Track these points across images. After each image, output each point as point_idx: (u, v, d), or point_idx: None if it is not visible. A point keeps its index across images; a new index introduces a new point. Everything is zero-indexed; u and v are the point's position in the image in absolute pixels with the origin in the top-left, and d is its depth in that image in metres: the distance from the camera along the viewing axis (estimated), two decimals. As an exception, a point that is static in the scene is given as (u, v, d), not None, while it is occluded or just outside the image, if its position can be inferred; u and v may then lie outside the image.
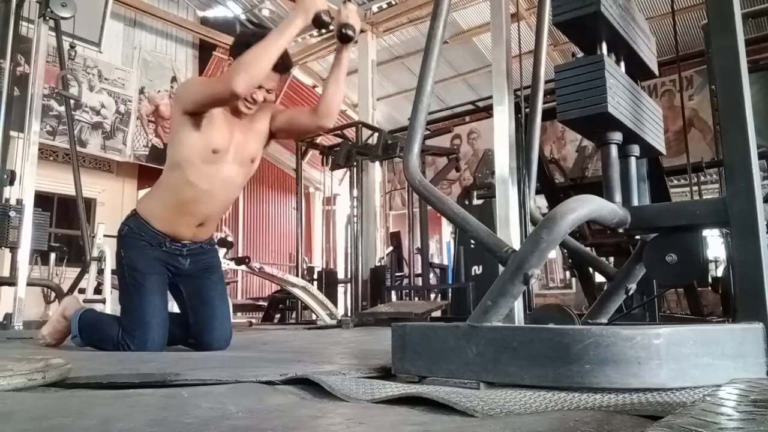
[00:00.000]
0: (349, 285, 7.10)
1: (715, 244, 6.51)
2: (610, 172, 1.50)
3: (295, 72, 11.09)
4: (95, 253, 4.80)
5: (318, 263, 9.54)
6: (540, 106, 1.87)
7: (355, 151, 6.85)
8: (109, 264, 4.46)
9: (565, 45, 8.95)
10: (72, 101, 5.25)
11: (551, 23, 1.56)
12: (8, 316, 4.06)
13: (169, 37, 9.76)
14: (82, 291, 4.87)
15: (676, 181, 6.26)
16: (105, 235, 4.65)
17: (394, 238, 8.61)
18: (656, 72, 1.71)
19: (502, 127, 1.48)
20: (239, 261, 5.48)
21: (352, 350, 2.16)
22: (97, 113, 8.41)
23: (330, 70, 2.20)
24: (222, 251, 5.19)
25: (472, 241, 5.38)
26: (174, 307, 2.41)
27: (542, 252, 1.14)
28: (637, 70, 1.64)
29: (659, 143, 1.67)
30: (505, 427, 0.76)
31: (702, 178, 5.07)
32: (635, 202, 1.57)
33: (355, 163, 7.01)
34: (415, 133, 1.38)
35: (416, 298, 6.73)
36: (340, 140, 7.49)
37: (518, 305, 1.29)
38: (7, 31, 4.57)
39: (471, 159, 9.88)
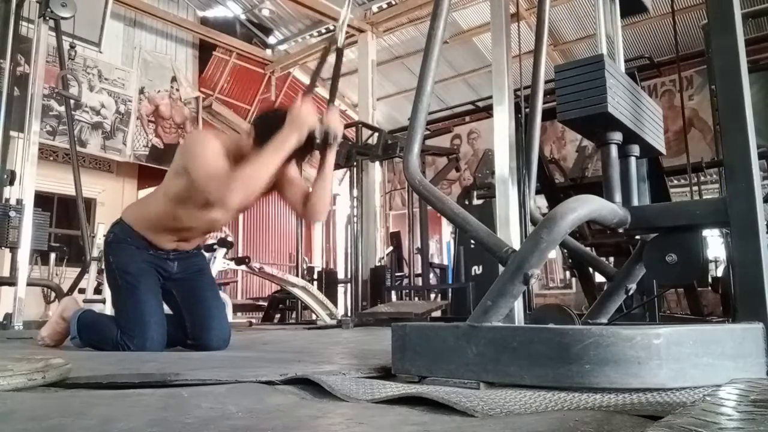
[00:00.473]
0: (349, 285, 7.10)
1: (715, 244, 6.51)
2: (610, 172, 1.50)
3: (295, 72, 11.10)
4: (95, 253, 4.80)
5: (318, 263, 9.54)
6: (540, 106, 1.87)
7: (355, 151, 6.85)
8: (109, 264, 4.45)
9: (565, 45, 8.96)
10: (72, 101, 5.26)
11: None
12: (8, 316, 4.06)
13: (169, 37, 9.76)
14: (82, 291, 4.87)
15: (676, 181, 6.26)
16: (105, 235, 4.65)
17: (394, 238, 8.61)
18: (663, 151, 1.71)
19: (502, 127, 1.48)
20: (239, 261, 5.49)
21: (352, 350, 2.16)
22: (97, 113, 8.41)
23: (317, 173, 2.16)
24: (222, 251, 5.19)
25: (472, 241, 5.38)
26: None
27: (542, 252, 1.14)
28: (646, 151, 1.64)
29: (659, 143, 1.67)
30: (505, 427, 0.76)
31: (702, 178, 5.07)
32: (635, 202, 1.57)
33: (355, 163, 7.01)
34: (415, 133, 1.38)
35: (416, 298, 6.73)
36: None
37: (518, 305, 1.29)
38: (7, 31, 4.57)
39: (471, 159, 9.87)
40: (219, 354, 2.03)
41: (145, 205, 2.32)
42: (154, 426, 0.78)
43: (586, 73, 1.37)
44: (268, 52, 10.85)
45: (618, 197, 1.49)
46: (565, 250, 4.84)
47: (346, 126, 7.93)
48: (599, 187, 1.53)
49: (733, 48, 1.25)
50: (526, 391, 1.01)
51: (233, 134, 2.15)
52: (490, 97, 1.60)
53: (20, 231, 4.08)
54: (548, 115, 1.95)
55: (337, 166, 7.12)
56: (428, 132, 7.78)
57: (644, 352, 0.98)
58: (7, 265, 4.57)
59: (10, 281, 4.23)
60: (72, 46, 4.97)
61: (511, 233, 1.42)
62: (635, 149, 1.59)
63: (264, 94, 10.93)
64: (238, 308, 8.18)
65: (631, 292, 1.68)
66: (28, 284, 4.27)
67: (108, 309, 4.23)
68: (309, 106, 1.97)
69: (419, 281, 7.25)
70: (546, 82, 1.96)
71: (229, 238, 6.57)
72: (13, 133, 4.65)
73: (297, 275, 6.53)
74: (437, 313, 5.71)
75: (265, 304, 7.59)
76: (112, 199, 8.82)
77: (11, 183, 4.32)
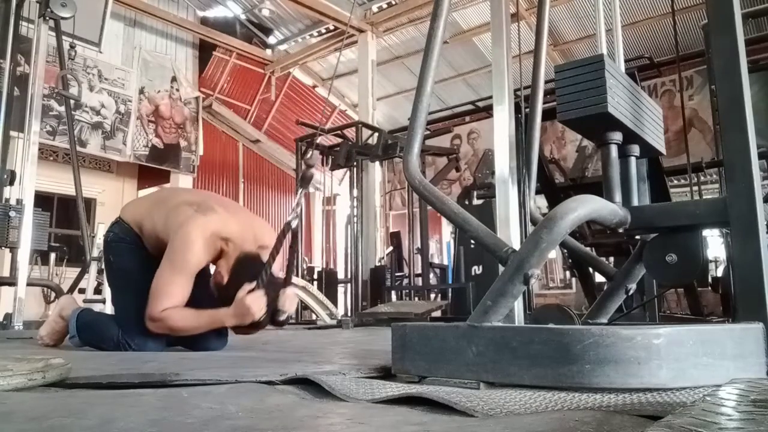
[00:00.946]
0: (349, 285, 7.10)
1: (715, 244, 6.51)
2: (610, 172, 1.50)
3: (295, 72, 11.10)
4: (95, 253, 4.81)
5: (318, 263, 9.54)
6: (540, 106, 1.87)
7: (355, 151, 6.85)
8: (109, 264, 4.45)
9: (565, 45, 8.96)
10: (72, 101, 5.25)
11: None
12: (8, 316, 4.06)
13: (169, 37, 9.75)
14: (82, 291, 4.87)
15: (676, 181, 6.26)
16: (105, 235, 4.66)
17: (394, 238, 8.61)
18: (663, 151, 1.71)
19: (502, 127, 1.48)
20: (239, 261, 5.47)
21: (352, 350, 2.16)
22: (97, 113, 8.41)
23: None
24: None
25: (472, 241, 5.38)
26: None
27: (542, 252, 1.14)
28: (646, 151, 1.64)
29: (659, 143, 1.67)
30: (505, 427, 0.76)
31: (702, 178, 5.07)
32: (635, 202, 1.57)
33: (355, 163, 7.01)
34: (415, 133, 1.38)
35: (416, 298, 6.73)
36: (340, 140, 7.49)
37: (518, 305, 1.29)
38: (7, 31, 4.57)
39: (471, 159, 9.88)
40: (219, 354, 2.03)
41: (142, 212, 2.29)
42: (154, 426, 0.78)
43: (586, 73, 1.37)
44: (268, 52, 10.85)
45: (618, 197, 1.49)
46: (565, 250, 4.84)
47: (346, 126, 7.94)
48: (599, 187, 1.53)
49: (733, 48, 1.25)
50: (526, 391, 1.01)
51: (233, 231, 2.12)
52: (490, 97, 1.60)
53: (20, 231, 4.08)
54: (548, 115, 1.95)
55: (337, 167, 7.14)
56: (428, 132, 7.78)
57: (644, 352, 0.98)
58: (7, 265, 4.58)
59: (10, 281, 4.23)
60: (72, 46, 4.97)
61: (511, 233, 1.42)
62: (635, 149, 1.59)
63: (264, 94, 10.93)
64: (238, 308, 8.16)
65: (631, 292, 1.69)
66: (28, 284, 4.27)
67: (108, 309, 4.24)
68: (258, 299, 1.94)
69: (419, 281, 7.25)
70: (546, 82, 1.96)
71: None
72: (13, 133, 4.65)
73: (297, 275, 6.53)
74: (437, 313, 5.71)
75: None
76: (112, 199, 8.83)
77: (11, 183, 4.33)
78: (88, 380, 1.21)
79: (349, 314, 6.22)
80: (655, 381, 0.98)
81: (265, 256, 2.05)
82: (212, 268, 2.21)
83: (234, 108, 10.57)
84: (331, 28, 9.57)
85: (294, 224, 2.06)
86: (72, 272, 5.77)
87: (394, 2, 8.89)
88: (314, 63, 10.93)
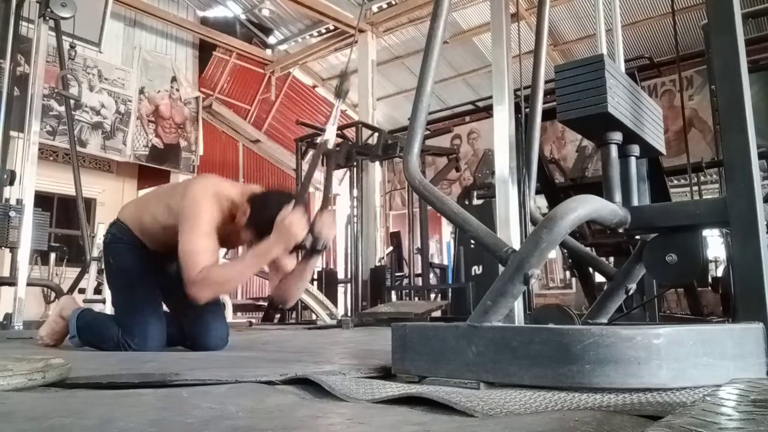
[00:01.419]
0: (349, 285, 7.10)
1: (715, 244, 6.51)
2: (610, 172, 1.50)
3: (295, 72, 11.10)
4: (95, 253, 4.81)
5: (318, 263, 9.53)
6: (540, 106, 1.87)
7: (355, 151, 6.84)
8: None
9: (565, 45, 8.96)
10: (72, 101, 5.25)
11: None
12: (8, 316, 4.06)
13: (169, 37, 9.75)
14: (82, 291, 4.87)
15: (676, 181, 6.25)
16: (103, 236, 4.66)
17: (394, 238, 8.61)
18: (663, 151, 1.71)
19: (502, 127, 1.48)
20: (239, 261, 5.47)
21: (352, 350, 2.16)
22: (97, 113, 8.40)
23: (297, 272, 2.13)
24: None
25: (472, 241, 5.38)
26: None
27: (542, 252, 1.14)
28: (646, 151, 1.64)
29: (659, 143, 1.67)
30: (505, 427, 0.76)
31: (702, 178, 5.07)
32: (635, 202, 1.57)
33: (355, 163, 7.00)
34: (415, 133, 1.38)
35: (416, 298, 6.73)
36: (340, 140, 7.49)
37: (518, 305, 1.29)
38: (7, 31, 4.57)
39: (471, 159, 9.87)
40: (219, 354, 2.03)
41: (140, 209, 2.30)
42: (154, 426, 0.78)
43: (586, 73, 1.37)
44: (268, 52, 10.85)
45: (618, 197, 1.49)
46: (565, 250, 4.84)
47: (346, 126, 7.94)
48: (599, 187, 1.53)
49: (733, 48, 1.25)
50: (526, 391, 1.01)
51: (232, 192, 2.10)
52: (490, 97, 1.60)
53: (20, 231, 4.08)
54: (548, 115, 1.95)
55: (337, 167, 7.13)
56: (428, 132, 7.78)
57: (644, 352, 0.98)
58: (7, 265, 4.58)
59: (10, 281, 4.23)
60: (72, 46, 4.97)
61: (511, 233, 1.42)
62: (635, 149, 1.59)
63: (264, 94, 10.93)
64: (238, 308, 8.17)
65: (631, 292, 1.68)
66: (28, 284, 4.27)
67: (108, 309, 4.24)
68: (299, 218, 1.91)
69: (419, 281, 7.25)
70: (546, 82, 1.96)
71: (229, 238, 6.56)
72: (13, 133, 4.65)
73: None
74: (437, 313, 5.71)
75: (265, 304, 7.59)
76: (112, 199, 8.82)
77: (11, 183, 4.33)
78: (88, 380, 1.21)
79: (349, 314, 6.22)
80: (655, 381, 0.98)
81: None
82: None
83: (234, 108, 10.57)
84: (331, 28, 9.56)
85: (330, 144, 2.03)
86: (72, 272, 5.77)
87: (394, 2, 8.88)
88: (314, 63, 10.92)
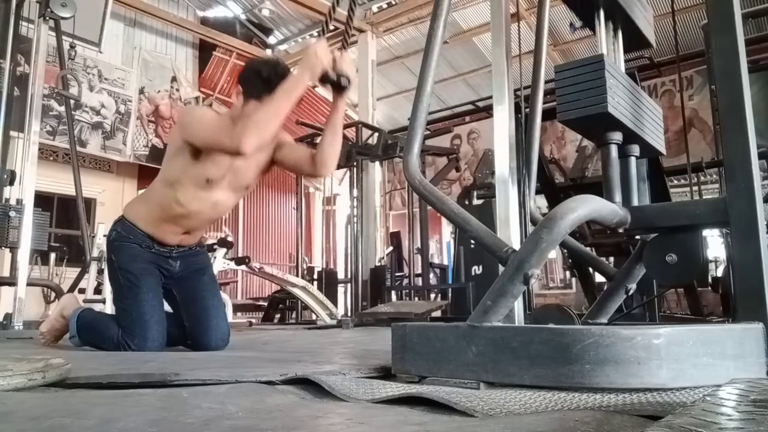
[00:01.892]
0: (349, 285, 7.10)
1: (715, 244, 6.51)
2: (610, 172, 1.50)
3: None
4: (95, 253, 4.81)
5: (318, 263, 9.54)
6: (540, 106, 1.87)
7: (355, 151, 6.84)
8: (109, 264, 4.46)
9: (565, 45, 8.96)
10: (72, 101, 5.26)
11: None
12: (8, 316, 4.06)
13: (169, 37, 9.76)
14: (82, 291, 4.87)
15: (676, 181, 6.26)
16: (105, 235, 4.65)
17: (394, 238, 8.61)
18: (653, 43, 1.72)
19: (502, 127, 1.47)
20: (239, 261, 5.49)
21: (352, 350, 2.16)
22: (97, 113, 8.41)
23: (327, 121, 2.16)
24: (222, 251, 5.19)
25: (472, 241, 5.38)
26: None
27: (542, 252, 1.14)
28: (635, 42, 1.65)
29: (659, 143, 1.67)
30: (505, 427, 0.76)
31: (702, 178, 5.07)
32: (635, 202, 1.57)
33: (355, 163, 7.00)
34: (415, 133, 1.38)
35: (416, 298, 6.72)
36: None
37: (518, 305, 1.29)
38: (7, 31, 4.57)
39: (471, 159, 9.87)
40: (219, 354, 2.03)
41: (146, 198, 2.31)
42: (154, 426, 0.78)
43: (586, 73, 1.37)
44: (268, 52, 10.85)
45: (618, 197, 1.49)
46: (565, 250, 4.84)
47: (346, 126, 7.94)
48: (599, 187, 1.53)
49: (733, 48, 1.25)
50: (526, 391, 1.01)
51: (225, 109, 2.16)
52: (490, 97, 1.60)
53: (20, 231, 4.08)
54: (548, 115, 1.95)
55: (337, 167, 7.13)
56: (428, 132, 7.77)
57: (644, 352, 0.98)
58: (7, 265, 4.58)
59: (10, 281, 4.23)
60: (72, 46, 4.98)
61: (511, 233, 1.42)
62: (635, 149, 1.59)
63: (264, 94, 10.92)
64: (238, 308, 8.18)
65: (631, 292, 1.68)
66: (28, 284, 4.27)
67: (108, 309, 4.24)
68: (324, 45, 1.97)
69: (419, 281, 7.25)
70: (546, 82, 1.96)
71: (229, 238, 6.57)
72: (13, 133, 4.65)
73: (297, 275, 6.53)
74: (437, 313, 5.71)
75: (265, 304, 7.59)
76: (112, 199, 8.82)
77: (11, 183, 4.33)
78: (88, 380, 1.21)
79: (349, 314, 6.22)
80: (655, 381, 0.98)
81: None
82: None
83: (234, 108, 10.57)
84: (331, 28, 9.55)
85: None
86: (72, 272, 5.77)
87: (394, 2, 8.89)
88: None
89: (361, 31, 8.90)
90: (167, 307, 2.31)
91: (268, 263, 7.96)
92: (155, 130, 9.18)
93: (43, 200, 5.78)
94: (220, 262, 5.12)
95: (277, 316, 7.21)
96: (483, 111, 9.13)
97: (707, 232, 4.96)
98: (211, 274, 2.40)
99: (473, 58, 9.71)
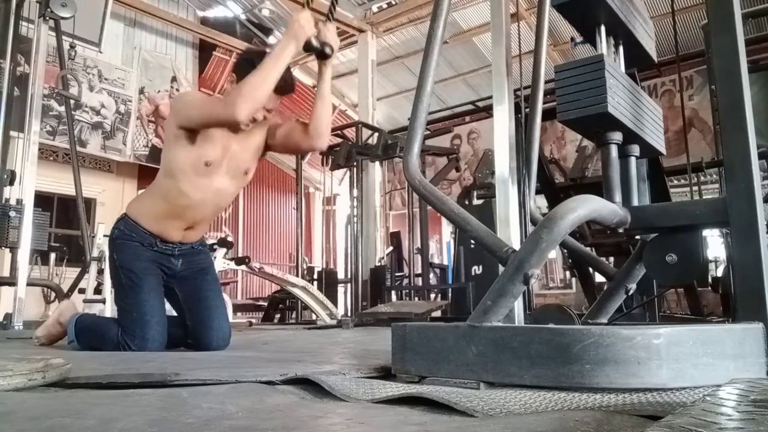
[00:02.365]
0: (349, 285, 7.10)
1: (715, 244, 6.51)
2: (610, 172, 1.50)
3: (295, 72, 11.09)
4: (95, 253, 4.80)
5: (318, 263, 9.54)
6: (540, 106, 1.87)
7: (355, 151, 6.84)
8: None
9: (565, 45, 8.95)
10: (72, 101, 5.26)
11: (552, 5, 1.57)
12: (8, 316, 4.06)
13: (169, 37, 9.75)
14: (82, 291, 4.87)
15: (676, 181, 6.25)
16: (105, 235, 4.64)
17: (394, 238, 8.61)
18: (654, 58, 1.72)
19: (502, 127, 1.48)
20: (239, 261, 5.48)
21: (352, 350, 2.16)
22: (97, 113, 8.40)
23: (318, 94, 2.22)
24: (222, 251, 5.19)
25: (472, 241, 5.38)
26: (170, 311, 2.41)
27: (542, 252, 1.14)
28: (636, 58, 1.65)
29: (659, 143, 1.67)
30: (505, 427, 0.76)
31: (702, 178, 5.07)
32: (635, 202, 1.57)
33: (355, 163, 7.00)
34: (415, 133, 1.38)
35: (416, 298, 6.73)
36: (340, 140, 7.49)
37: (518, 305, 1.29)
38: (7, 31, 4.57)
39: (471, 159, 9.87)
40: (219, 354, 2.03)
41: (149, 193, 2.32)
42: (154, 426, 0.78)
43: (586, 73, 1.37)
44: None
45: (618, 197, 1.49)
46: (565, 250, 4.84)
47: (346, 126, 7.94)
48: (599, 187, 1.53)
49: (733, 48, 1.25)
50: (526, 391, 1.01)
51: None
52: (490, 97, 1.60)
53: (20, 231, 4.09)
54: (548, 115, 1.95)
55: (337, 167, 7.14)
56: (428, 132, 7.77)
57: (644, 352, 0.98)
58: (7, 265, 4.58)
59: (10, 281, 4.23)
60: (72, 46, 4.98)
61: (511, 233, 1.42)
62: (635, 149, 1.59)
63: (264, 94, 10.92)
64: (238, 308, 8.18)
65: (631, 292, 1.68)
66: (28, 284, 4.27)
67: (108, 309, 4.23)
68: (307, 15, 2.04)
69: (419, 281, 7.25)
70: (546, 82, 1.96)
71: (229, 238, 6.58)
72: (13, 133, 4.65)
73: (297, 275, 6.53)
74: (437, 313, 5.71)
75: (265, 304, 7.59)
76: (112, 199, 8.82)
77: (11, 183, 4.33)
78: (88, 380, 1.21)
79: (349, 314, 6.22)
80: (655, 381, 0.98)
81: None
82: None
83: (234, 108, 10.56)
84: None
85: None
86: (72, 272, 5.77)
87: (394, 2, 8.89)
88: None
89: (361, 31, 8.90)
90: (168, 309, 2.31)
91: (268, 263, 7.96)
92: (155, 130, 9.17)
93: (43, 200, 5.78)
94: (220, 262, 5.11)
95: (277, 316, 7.21)
96: (483, 111, 9.13)
97: (707, 232, 4.96)
98: (214, 274, 2.40)
99: (473, 58, 9.71)
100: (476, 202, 6.33)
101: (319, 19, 2.10)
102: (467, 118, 10.06)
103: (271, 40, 10.80)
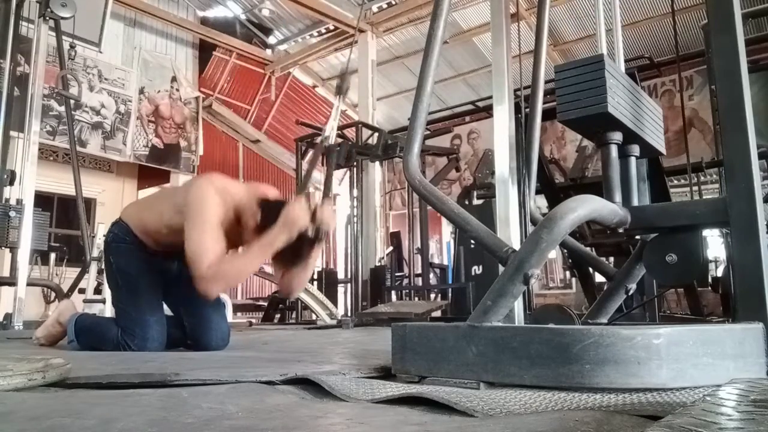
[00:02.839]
0: (349, 285, 7.10)
1: (715, 244, 6.51)
2: (610, 172, 1.50)
3: (295, 72, 11.10)
4: (95, 253, 4.80)
5: (318, 263, 9.55)
6: (540, 106, 1.87)
7: (355, 151, 6.84)
8: (109, 264, 4.45)
9: (565, 45, 8.96)
10: (72, 101, 5.25)
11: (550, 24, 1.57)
12: (8, 316, 4.06)
13: (169, 37, 9.75)
14: (82, 291, 4.87)
15: (676, 181, 6.25)
16: (104, 236, 4.65)
17: (394, 238, 8.61)
18: (663, 151, 1.71)
19: (502, 127, 1.48)
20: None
21: (352, 350, 2.16)
22: (97, 113, 8.40)
23: (301, 261, 2.14)
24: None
25: (472, 241, 5.38)
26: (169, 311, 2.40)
27: (542, 252, 1.14)
28: (645, 152, 1.64)
29: (659, 143, 1.67)
30: (505, 427, 0.76)
31: (702, 178, 5.07)
32: (635, 202, 1.57)
33: (355, 163, 7.00)
34: (415, 133, 1.38)
35: (416, 298, 6.72)
36: (340, 140, 7.49)
37: (518, 305, 1.29)
38: (7, 31, 4.57)
39: (471, 159, 9.87)
40: (219, 354, 2.03)
41: (143, 209, 2.31)
42: (154, 426, 0.78)
43: (586, 73, 1.37)
44: (268, 52, 10.85)
45: (618, 197, 1.49)
46: (565, 250, 4.84)
47: (347, 126, 7.94)
48: (599, 187, 1.53)
49: (733, 48, 1.25)
50: (526, 391, 1.01)
51: (237, 191, 2.14)
52: (490, 97, 1.60)
53: (20, 231, 4.08)
54: (548, 115, 1.95)
55: (337, 167, 7.13)
56: (428, 132, 7.77)
57: (644, 352, 0.98)
58: (7, 265, 4.57)
59: (10, 281, 4.23)
60: (72, 46, 4.97)
61: (511, 233, 1.42)
62: (635, 149, 1.59)
63: (264, 94, 10.93)
64: (238, 308, 8.17)
65: (631, 292, 1.68)
66: (28, 284, 4.27)
67: (108, 310, 4.23)
68: (302, 207, 1.98)
69: (419, 281, 7.25)
70: (546, 82, 1.96)
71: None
72: (13, 133, 4.65)
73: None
74: (437, 313, 5.71)
75: (265, 304, 7.59)
76: (112, 199, 8.82)
77: (11, 183, 4.32)
78: (88, 380, 1.21)
79: (349, 314, 6.22)
80: (655, 381, 0.98)
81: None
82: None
83: (234, 108, 10.57)
84: (331, 28, 9.57)
85: (331, 140, 2.08)
86: (72, 272, 5.77)
87: (394, 2, 8.88)
88: (314, 63, 10.92)
89: (361, 31, 8.90)
90: (166, 309, 2.31)
91: (267, 263, 7.95)
92: (155, 130, 9.17)
93: (43, 200, 5.78)
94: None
95: (277, 316, 7.21)
96: (483, 111, 9.13)
97: (707, 232, 4.96)
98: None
99: (473, 58, 9.71)
100: (476, 202, 6.33)
101: (315, 203, 2.03)
102: (467, 118, 10.06)
103: (271, 40, 10.81)
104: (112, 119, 8.59)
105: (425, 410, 0.92)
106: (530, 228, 1.64)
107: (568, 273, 8.18)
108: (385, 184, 10.68)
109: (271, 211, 2.02)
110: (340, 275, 7.63)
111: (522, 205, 1.54)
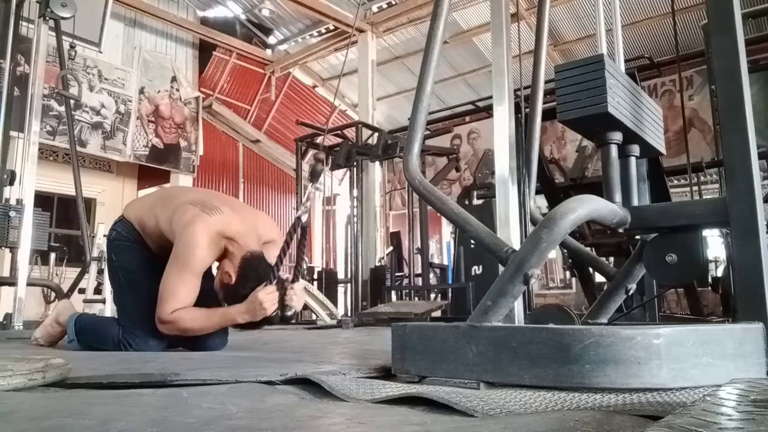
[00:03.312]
0: (349, 285, 7.10)
1: (715, 244, 6.51)
2: (610, 172, 1.50)
3: (295, 72, 11.10)
4: (95, 253, 4.81)
5: (318, 263, 9.54)
6: (540, 106, 1.87)
7: (355, 151, 6.84)
8: (109, 264, 4.46)
9: (565, 45, 8.96)
10: (72, 101, 5.25)
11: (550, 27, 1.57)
12: (8, 316, 4.06)
13: (169, 37, 9.75)
14: (82, 291, 4.87)
15: (676, 181, 6.26)
16: (105, 235, 4.65)
17: (394, 238, 8.61)
18: (663, 151, 1.72)
19: (502, 127, 1.48)
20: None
21: (352, 350, 2.16)
22: (97, 113, 8.40)
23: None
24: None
25: (472, 241, 5.38)
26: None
27: (542, 252, 1.14)
28: (644, 152, 1.64)
29: (659, 143, 1.67)
30: (505, 427, 0.76)
31: (702, 178, 5.07)
32: (635, 202, 1.57)
33: (355, 163, 7.01)
34: (415, 133, 1.38)
35: (416, 298, 6.73)
36: (340, 140, 7.49)
37: (518, 305, 1.29)
38: (7, 31, 4.56)
39: (471, 159, 9.88)
40: (219, 354, 2.03)
41: (144, 209, 2.29)
42: (154, 426, 0.78)
43: (586, 73, 1.37)
44: (268, 52, 10.85)
45: (618, 197, 1.49)
46: (565, 250, 4.84)
47: (346, 126, 7.94)
48: (599, 187, 1.53)
49: (733, 48, 1.25)
50: (526, 391, 1.01)
51: (236, 231, 2.08)
52: (490, 97, 1.60)
53: (20, 231, 4.08)
54: (548, 115, 1.95)
55: (337, 167, 7.14)
56: (428, 132, 7.78)
57: (644, 352, 0.98)
58: (7, 265, 4.57)
59: (10, 281, 4.23)
60: (72, 46, 4.97)
61: (511, 233, 1.42)
62: (635, 149, 1.59)
63: (264, 94, 10.93)
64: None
65: (631, 292, 1.68)
66: (28, 284, 4.26)
67: (108, 310, 4.24)
68: (271, 295, 1.97)
69: (419, 281, 7.25)
70: (546, 82, 1.96)
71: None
72: (13, 133, 4.65)
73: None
74: (437, 313, 5.71)
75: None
76: (112, 199, 8.82)
77: (11, 183, 4.32)
78: (88, 380, 1.21)
79: (349, 314, 6.22)
80: (655, 381, 0.98)
81: (270, 252, 2.07)
82: (214, 268, 2.20)
83: (234, 108, 10.57)
84: (331, 28, 9.57)
85: (304, 219, 2.06)
86: (72, 272, 5.76)
87: (394, 2, 8.89)
88: (314, 63, 10.92)
89: (361, 31, 8.90)
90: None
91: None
92: (155, 130, 9.17)
93: (43, 200, 5.78)
94: (220, 262, 5.11)
95: (277, 316, 7.20)
96: (483, 111, 9.13)
97: (707, 232, 4.96)
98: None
99: (473, 58, 9.71)
100: (476, 202, 6.34)
101: (287, 285, 2.01)
102: (467, 118, 10.06)
103: (271, 40, 10.81)
104: (112, 119, 8.59)
105: (425, 410, 0.92)
106: (530, 228, 1.64)
107: (568, 273, 8.18)
108: (385, 184, 10.69)
109: (248, 275, 2.00)
110: (340, 275, 7.63)
111: (522, 205, 1.54)
